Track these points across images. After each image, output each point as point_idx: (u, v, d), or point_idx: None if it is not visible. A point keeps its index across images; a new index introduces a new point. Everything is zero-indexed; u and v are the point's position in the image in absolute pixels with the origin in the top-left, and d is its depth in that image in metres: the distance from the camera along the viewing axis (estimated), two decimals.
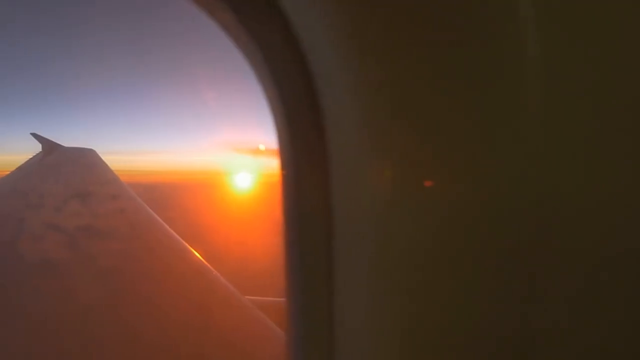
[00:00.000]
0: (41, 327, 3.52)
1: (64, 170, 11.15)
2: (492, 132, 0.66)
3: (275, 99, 0.90)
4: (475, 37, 0.65)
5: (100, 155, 14.36)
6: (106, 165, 12.45)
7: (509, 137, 0.65)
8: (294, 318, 0.95)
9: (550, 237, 0.66)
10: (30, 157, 13.96)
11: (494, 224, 0.68)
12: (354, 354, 0.87)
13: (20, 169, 11.95)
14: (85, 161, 12.84)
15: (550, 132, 0.64)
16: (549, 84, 0.63)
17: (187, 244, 6.14)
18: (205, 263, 5.47)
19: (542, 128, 0.64)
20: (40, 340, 3.32)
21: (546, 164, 0.65)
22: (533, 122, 0.64)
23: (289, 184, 0.93)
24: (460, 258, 0.70)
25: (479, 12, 0.64)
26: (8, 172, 11.40)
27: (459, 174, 0.69)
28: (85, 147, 15.96)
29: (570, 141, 0.63)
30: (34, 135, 16.65)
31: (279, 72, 0.89)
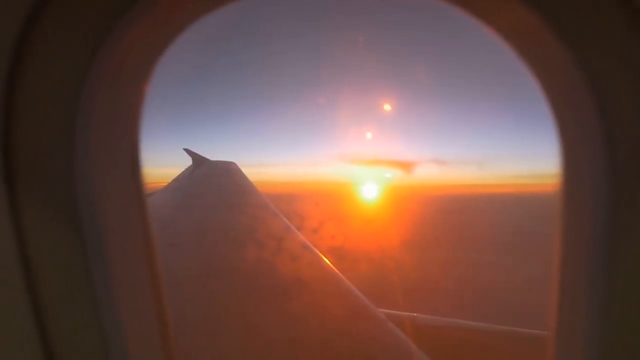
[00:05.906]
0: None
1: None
2: None
3: (593, 112, 0.85)
4: None
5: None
6: (247, 177, 13.60)
7: None
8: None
9: None
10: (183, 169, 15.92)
11: None
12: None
13: (177, 180, 13.64)
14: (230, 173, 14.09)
15: None
16: None
17: (321, 254, 6.42)
18: (339, 274, 5.61)
19: None
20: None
21: None
22: None
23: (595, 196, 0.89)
24: None
25: None
26: (165, 183, 13.01)
27: None
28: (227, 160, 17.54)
29: None
30: (186, 150, 18.74)
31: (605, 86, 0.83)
